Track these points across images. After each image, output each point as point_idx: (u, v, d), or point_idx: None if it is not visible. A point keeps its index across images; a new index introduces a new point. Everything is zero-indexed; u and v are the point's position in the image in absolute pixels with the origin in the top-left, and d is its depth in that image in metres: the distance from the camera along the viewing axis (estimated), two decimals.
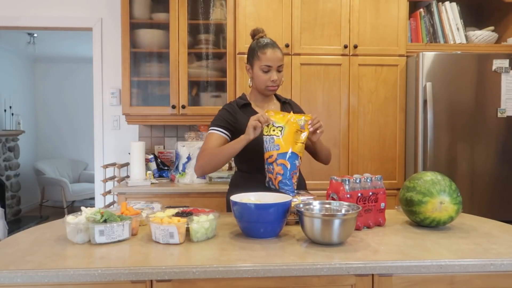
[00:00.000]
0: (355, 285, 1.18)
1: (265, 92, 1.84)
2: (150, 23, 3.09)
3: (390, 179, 2.84)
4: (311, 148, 1.83)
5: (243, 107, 1.87)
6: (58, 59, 6.81)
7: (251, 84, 1.87)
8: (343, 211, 1.41)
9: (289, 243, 1.34)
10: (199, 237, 1.36)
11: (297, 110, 1.97)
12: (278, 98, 1.98)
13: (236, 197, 1.46)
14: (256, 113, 1.77)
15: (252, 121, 1.61)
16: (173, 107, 2.99)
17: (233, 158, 1.78)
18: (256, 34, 1.85)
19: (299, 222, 1.37)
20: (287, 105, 1.97)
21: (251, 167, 1.83)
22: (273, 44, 1.81)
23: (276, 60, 1.78)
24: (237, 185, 1.87)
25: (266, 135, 1.64)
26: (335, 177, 1.58)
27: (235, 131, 1.80)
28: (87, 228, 1.33)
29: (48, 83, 7.03)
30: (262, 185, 1.68)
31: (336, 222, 1.29)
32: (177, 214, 1.44)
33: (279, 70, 1.81)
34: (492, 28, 3.04)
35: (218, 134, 1.79)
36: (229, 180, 2.90)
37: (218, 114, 1.86)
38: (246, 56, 2.80)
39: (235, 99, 1.94)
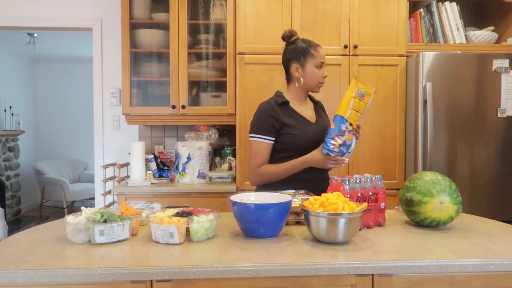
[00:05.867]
0: (355, 285, 1.18)
1: (315, 89, 1.94)
2: (150, 23, 3.09)
3: (390, 179, 2.84)
4: None
5: (282, 105, 1.88)
6: (58, 59, 6.81)
7: (297, 84, 1.92)
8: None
9: (289, 243, 1.34)
10: (199, 237, 1.36)
11: (324, 112, 2.08)
12: (312, 98, 2.06)
13: (236, 197, 1.46)
14: (294, 111, 1.88)
15: (330, 164, 1.77)
16: (173, 107, 2.99)
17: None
18: (292, 36, 1.92)
19: (305, 220, 1.37)
20: (318, 106, 2.05)
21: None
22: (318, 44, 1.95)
23: (324, 58, 1.92)
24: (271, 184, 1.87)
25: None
26: (335, 177, 1.59)
27: (279, 131, 1.84)
28: (87, 228, 1.33)
29: (48, 83, 7.03)
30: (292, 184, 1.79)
31: (342, 221, 1.30)
32: (177, 214, 1.44)
33: None
34: (492, 28, 3.04)
35: (266, 143, 1.84)
36: (229, 180, 2.92)
37: (263, 120, 1.85)
38: (246, 56, 2.85)
39: (273, 98, 1.93)
